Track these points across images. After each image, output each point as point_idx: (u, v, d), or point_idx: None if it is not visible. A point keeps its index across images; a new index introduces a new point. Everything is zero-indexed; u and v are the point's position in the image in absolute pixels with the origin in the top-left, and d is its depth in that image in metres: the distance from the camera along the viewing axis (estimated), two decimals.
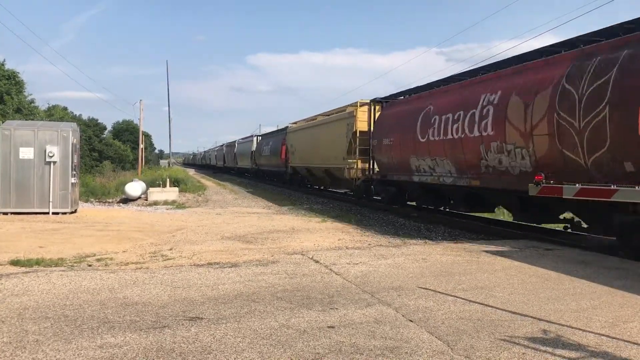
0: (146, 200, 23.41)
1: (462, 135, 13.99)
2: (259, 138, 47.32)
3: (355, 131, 21.28)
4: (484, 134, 13.02)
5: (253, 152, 47.70)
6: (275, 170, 39.81)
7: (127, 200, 23.68)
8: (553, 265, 8.61)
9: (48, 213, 16.05)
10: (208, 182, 43.45)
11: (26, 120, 31.18)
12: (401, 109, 18.21)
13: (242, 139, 59.97)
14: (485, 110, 13.06)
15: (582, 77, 10.17)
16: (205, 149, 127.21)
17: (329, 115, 27.96)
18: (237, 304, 6.07)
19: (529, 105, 11.46)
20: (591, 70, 10.06)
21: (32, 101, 40.96)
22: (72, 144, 16.56)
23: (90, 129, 60.34)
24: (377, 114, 20.41)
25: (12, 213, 15.80)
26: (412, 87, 18.92)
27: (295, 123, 35.57)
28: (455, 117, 14.35)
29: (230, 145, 66.33)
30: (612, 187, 9.27)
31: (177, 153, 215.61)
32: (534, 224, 14.56)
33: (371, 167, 20.41)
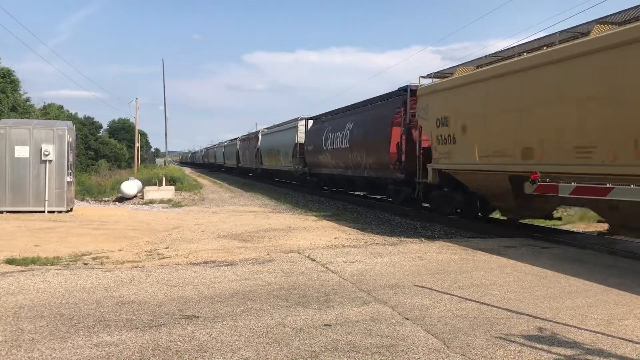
0: (142, 198, 23.35)
1: None
2: (311, 122, 30.38)
3: None
4: None
5: (298, 144, 30.61)
6: (365, 178, 21.51)
7: (123, 198, 23.61)
8: (549, 263, 8.64)
9: (44, 212, 16.01)
10: (204, 181, 43.41)
11: (21, 118, 31.10)
12: None
13: (269, 128, 42.12)
14: None
15: None
16: (208, 145, 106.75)
17: None
18: (234, 302, 6.06)
19: None
20: None
21: (27, 100, 40.90)
22: (68, 142, 16.51)
23: (86, 128, 60.29)
24: None
25: (7, 212, 15.75)
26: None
27: (430, 76, 15.80)
28: None
29: (248, 138, 48.50)
30: (608, 185, 9.29)
31: (173, 152, 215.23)
32: (531, 223, 14.58)
33: None
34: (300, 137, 30.71)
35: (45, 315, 5.44)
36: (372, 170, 20.22)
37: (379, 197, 23.33)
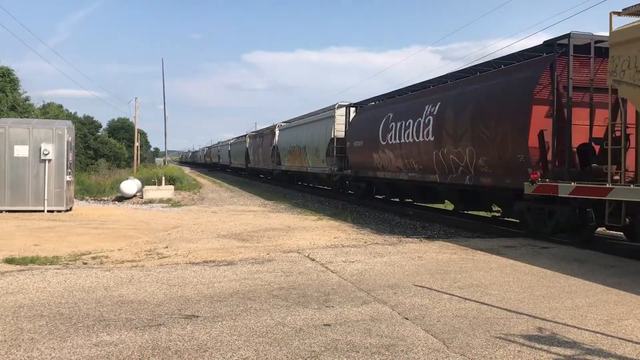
0: (141, 198, 23.35)
1: None
2: (353, 110, 23.61)
3: None
4: None
5: (336, 140, 23.86)
6: (465, 187, 14.55)
7: (122, 198, 23.61)
8: (548, 263, 8.64)
9: (43, 211, 16.00)
10: (204, 180, 43.41)
11: (21, 118, 31.08)
12: None
13: (290, 121, 35.26)
14: None
15: None
16: (209, 144, 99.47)
17: None
18: (233, 301, 6.06)
19: None
20: None
21: (26, 99, 40.89)
22: (67, 141, 16.50)
23: (85, 127, 60.21)
24: None
25: (6, 211, 15.75)
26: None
27: (631, 11, 9.41)
28: None
29: (261, 134, 41.50)
30: (607, 185, 9.28)
31: (172, 151, 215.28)
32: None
33: None
34: (339, 130, 23.72)
35: (45, 315, 5.44)
36: (485, 175, 13.14)
37: (486, 215, 16.34)
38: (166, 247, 10.16)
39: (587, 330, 5.18)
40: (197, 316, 5.47)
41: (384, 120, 18.82)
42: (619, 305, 6.13)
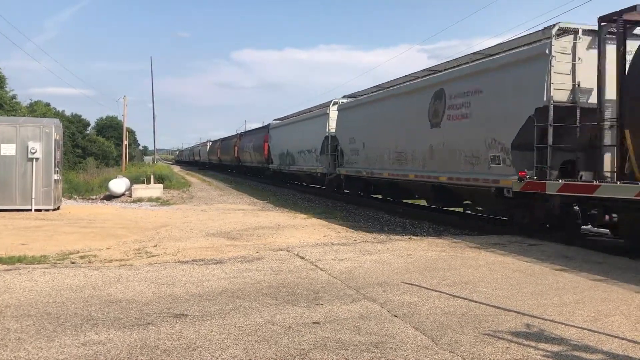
0: (130, 197, 23.21)
1: None
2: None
3: None
4: None
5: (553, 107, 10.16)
6: None
7: (111, 197, 23.46)
8: (536, 260, 8.69)
9: (30, 210, 15.86)
10: (193, 179, 43.23)
11: (8, 116, 30.77)
12: None
13: (351, 95, 22.65)
14: None
15: None
16: (200, 142, 77.94)
17: None
18: (222, 300, 6.04)
19: None
20: None
21: (13, 97, 40.47)
22: (55, 140, 16.37)
23: (73, 125, 59.72)
24: None
25: None
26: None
27: None
28: None
29: (295, 120, 29.91)
30: (595, 182, 9.37)
31: (161, 149, 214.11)
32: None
33: None
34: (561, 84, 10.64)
35: (32, 314, 5.39)
36: None
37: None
38: (155, 246, 10.12)
39: (574, 326, 5.22)
40: (186, 315, 5.45)
41: None
42: (605, 301, 6.19)
